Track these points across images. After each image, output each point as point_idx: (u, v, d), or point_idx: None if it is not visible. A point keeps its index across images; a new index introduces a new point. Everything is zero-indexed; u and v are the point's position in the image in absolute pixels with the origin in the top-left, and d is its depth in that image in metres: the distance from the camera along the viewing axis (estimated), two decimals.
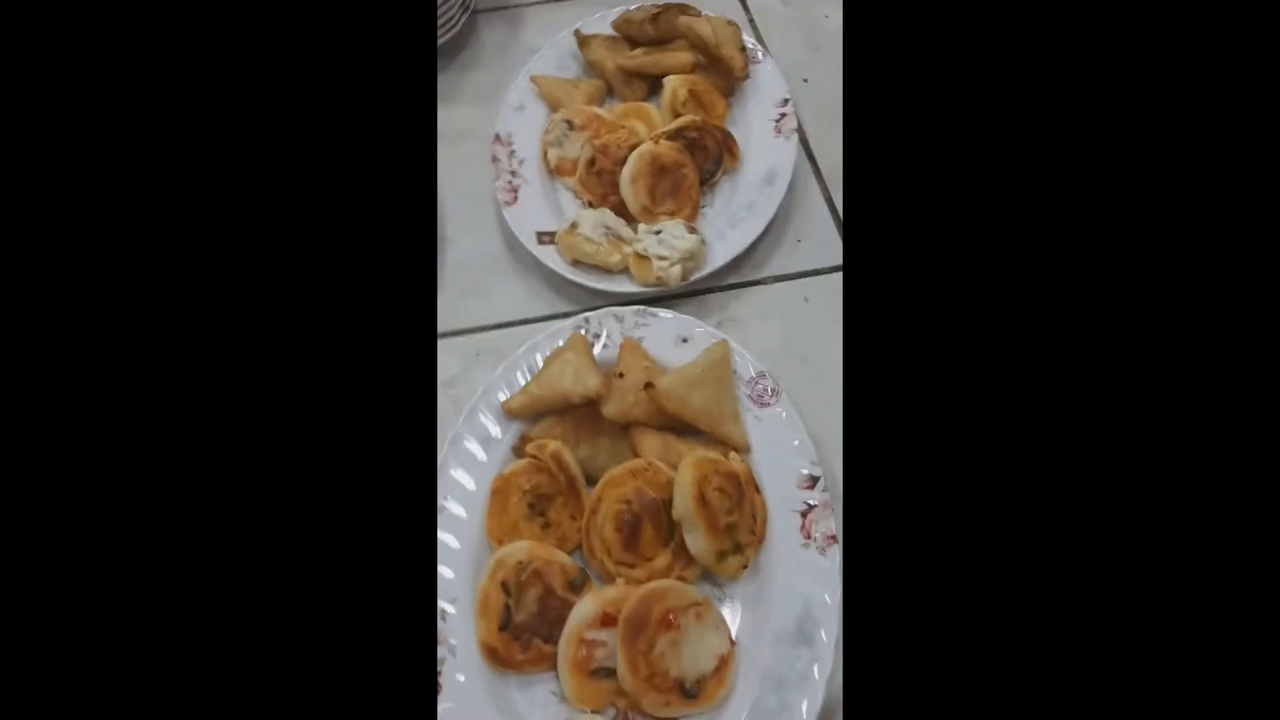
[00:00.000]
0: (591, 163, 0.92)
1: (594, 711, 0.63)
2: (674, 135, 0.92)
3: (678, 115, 0.95)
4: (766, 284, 0.89)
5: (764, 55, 1.01)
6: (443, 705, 0.63)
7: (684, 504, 0.67)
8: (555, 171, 0.95)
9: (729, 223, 0.89)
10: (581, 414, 0.75)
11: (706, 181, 0.93)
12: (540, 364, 0.78)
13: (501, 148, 0.96)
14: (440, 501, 0.72)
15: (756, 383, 0.77)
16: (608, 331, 0.81)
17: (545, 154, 0.95)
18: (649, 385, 0.73)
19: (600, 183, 0.91)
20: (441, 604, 0.68)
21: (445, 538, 0.70)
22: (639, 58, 1.00)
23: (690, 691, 0.63)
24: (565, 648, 0.64)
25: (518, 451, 0.75)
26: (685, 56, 0.99)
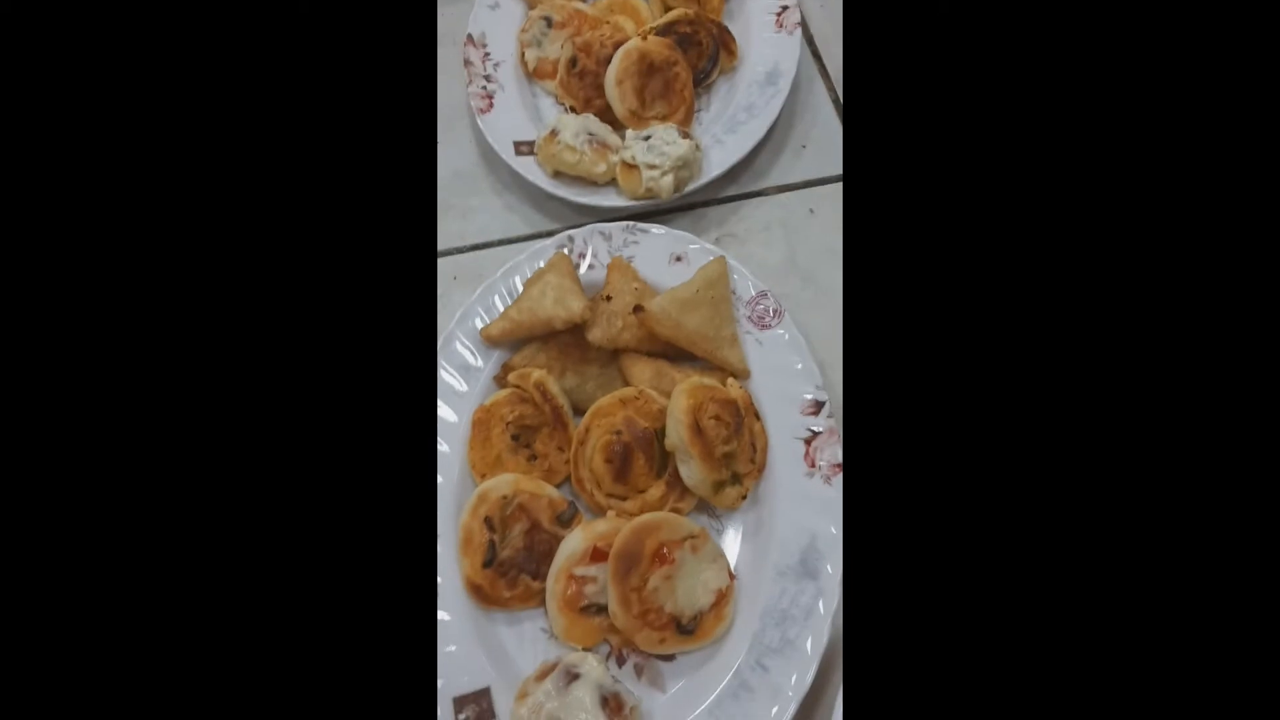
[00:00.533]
0: (573, 63, 0.83)
1: (586, 649, 0.60)
2: (665, 30, 0.83)
3: (668, 9, 0.86)
4: (768, 195, 0.82)
5: None
6: None
7: (677, 433, 0.62)
8: (534, 74, 0.87)
9: (726, 127, 0.81)
10: (566, 340, 0.70)
11: (701, 82, 0.85)
12: (520, 287, 0.72)
13: (474, 50, 0.87)
14: None
15: (757, 303, 0.71)
16: (594, 250, 0.74)
17: (523, 55, 0.87)
18: (639, 308, 0.67)
19: (583, 85, 0.83)
20: None
21: None
22: None
23: (687, 627, 0.60)
24: (554, 584, 0.61)
25: (499, 381, 0.70)
26: None
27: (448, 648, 0.60)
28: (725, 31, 0.85)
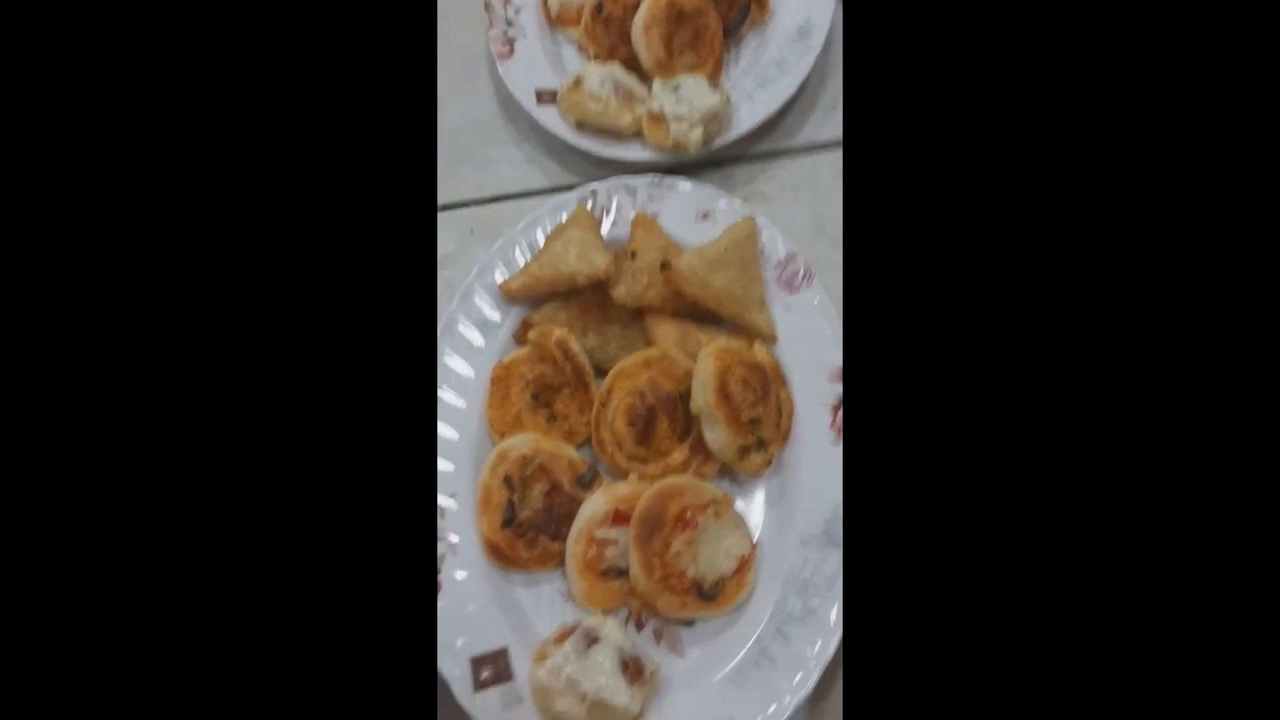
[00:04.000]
0: (598, 9, 0.79)
1: (605, 612, 0.59)
2: None
3: None
4: (798, 154, 0.79)
5: None
6: (442, 603, 0.59)
7: (704, 396, 0.60)
8: (556, 20, 0.83)
9: (757, 82, 0.78)
10: (589, 298, 0.68)
11: (731, 34, 0.81)
12: (541, 241, 0.70)
13: None
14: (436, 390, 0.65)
15: (786, 265, 0.69)
16: (618, 205, 0.72)
17: (545, 1, 0.83)
18: (665, 265, 0.65)
19: (608, 33, 0.79)
20: (441, 499, 0.63)
21: (442, 429, 0.64)
22: None
23: (708, 593, 0.59)
24: (574, 546, 0.60)
25: (519, 338, 0.68)
26: None
27: (466, 607, 0.59)
28: None
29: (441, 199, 0.78)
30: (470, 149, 0.80)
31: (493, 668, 0.58)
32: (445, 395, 0.65)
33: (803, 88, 0.77)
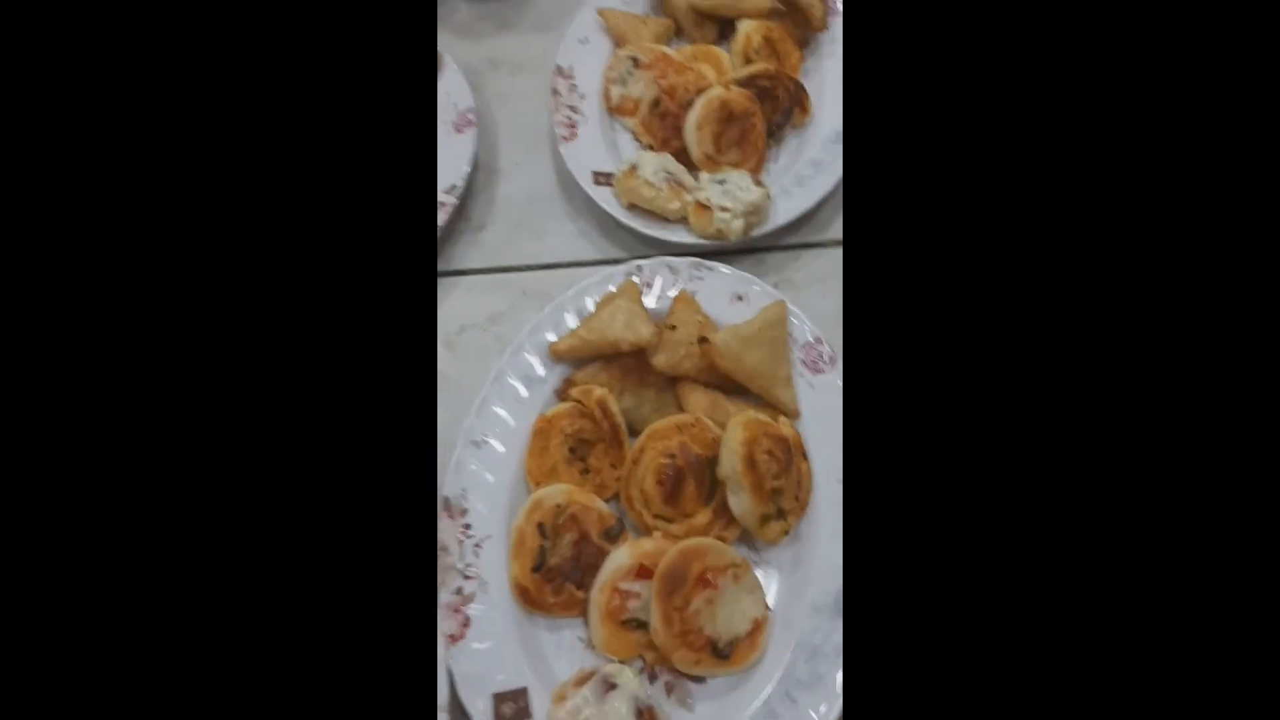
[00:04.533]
0: (656, 103, 0.88)
1: (621, 661, 0.62)
2: (746, 82, 0.87)
3: (749, 62, 0.91)
4: (827, 248, 0.86)
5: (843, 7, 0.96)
6: (470, 639, 0.62)
7: (732, 463, 0.65)
8: (616, 110, 0.91)
9: (795, 180, 0.85)
10: (628, 363, 0.73)
11: (773, 134, 0.89)
12: (590, 308, 0.76)
13: (562, 80, 0.92)
14: (480, 437, 0.70)
15: (813, 347, 0.74)
16: (660, 282, 0.78)
17: (607, 91, 0.91)
18: (704, 340, 0.71)
19: (663, 126, 0.87)
20: (475, 538, 0.67)
21: (483, 473, 0.69)
22: None
23: (722, 652, 0.62)
24: (599, 595, 0.63)
25: (560, 395, 0.73)
26: (763, 1, 0.93)
27: (491, 645, 0.62)
28: (801, 89, 0.90)
29: (497, 262, 0.85)
30: (528, 219, 0.87)
31: (513, 704, 0.60)
32: (490, 441, 0.70)
33: (836, 187, 0.85)
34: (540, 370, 0.74)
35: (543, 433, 0.70)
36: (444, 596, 0.64)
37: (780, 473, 0.66)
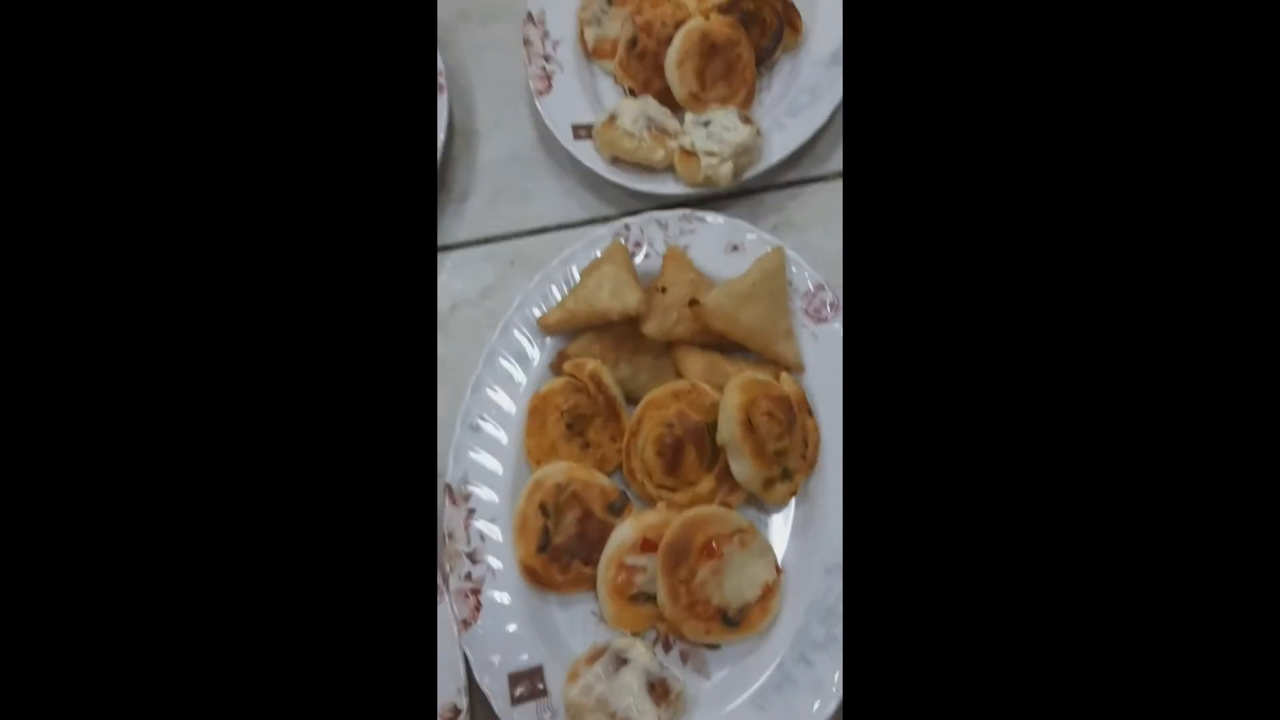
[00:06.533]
0: (633, 43, 0.81)
1: (634, 634, 0.63)
2: (727, 8, 0.80)
3: None
4: (830, 181, 0.80)
5: None
6: (482, 623, 0.63)
7: (729, 430, 0.63)
8: (593, 54, 0.85)
9: (788, 110, 0.79)
10: (621, 331, 0.71)
11: (764, 61, 0.82)
12: (577, 277, 0.73)
13: (534, 28, 0.86)
14: (476, 420, 0.70)
15: (814, 295, 0.70)
16: (650, 239, 0.74)
17: (582, 34, 0.85)
18: (694, 303, 0.67)
19: (643, 66, 0.81)
20: (481, 525, 0.67)
21: (484, 459, 0.69)
22: None
23: (733, 619, 0.61)
24: (605, 572, 0.63)
25: (554, 368, 0.72)
26: None
27: (505, 627, 0.63)
28: (790, 7, 0.82)
29: (483, 232, 0.82)
30: (510, 182, 0.84)
31: (529, 684, 0.62)
32: (486, 427, 0.70)
33: (835, 114, 0.78)
34: (532, 349, 0.72)
35: (539, 411, 0.69)
36: (454, 583, 0.64)
37: (783, 434, 0.63)
